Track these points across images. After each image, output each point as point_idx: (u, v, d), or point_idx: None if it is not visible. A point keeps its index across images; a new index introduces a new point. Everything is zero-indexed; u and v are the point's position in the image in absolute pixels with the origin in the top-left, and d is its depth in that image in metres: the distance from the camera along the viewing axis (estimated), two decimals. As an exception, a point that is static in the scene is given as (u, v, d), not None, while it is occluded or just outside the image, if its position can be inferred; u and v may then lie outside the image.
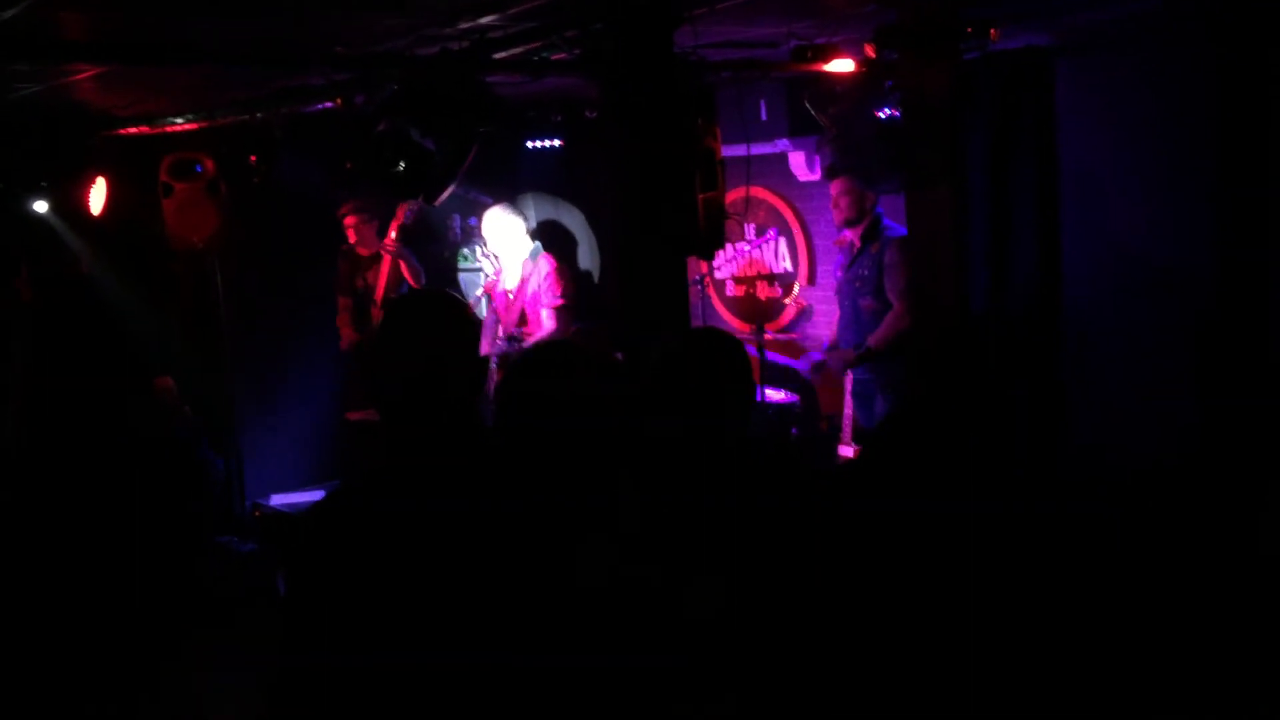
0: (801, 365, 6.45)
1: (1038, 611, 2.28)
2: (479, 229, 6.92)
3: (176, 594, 5.81)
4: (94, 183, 6.60)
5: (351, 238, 6.97)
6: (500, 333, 6.62)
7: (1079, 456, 5.30)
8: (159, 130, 6.26)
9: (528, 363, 2.38)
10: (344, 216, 6.91)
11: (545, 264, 6.54)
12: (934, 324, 4.54)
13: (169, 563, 5.98)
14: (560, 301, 6.46)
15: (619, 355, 4.59)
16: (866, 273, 5.89)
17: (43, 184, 6.58)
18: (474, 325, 2.34)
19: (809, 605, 2.29)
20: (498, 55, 4.47)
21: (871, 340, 5.79)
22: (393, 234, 6.80)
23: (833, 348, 6.28)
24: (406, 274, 6.89)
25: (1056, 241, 5.40)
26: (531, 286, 6.55)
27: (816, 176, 7.02)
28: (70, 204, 6.65)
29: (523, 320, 6.59)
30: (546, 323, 6.47)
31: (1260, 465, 4.47)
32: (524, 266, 6.59)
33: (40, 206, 6.59)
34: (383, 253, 6.83)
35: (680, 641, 2.26)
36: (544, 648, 2.09)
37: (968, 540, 2.26)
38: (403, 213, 6.78)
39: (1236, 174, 4.74)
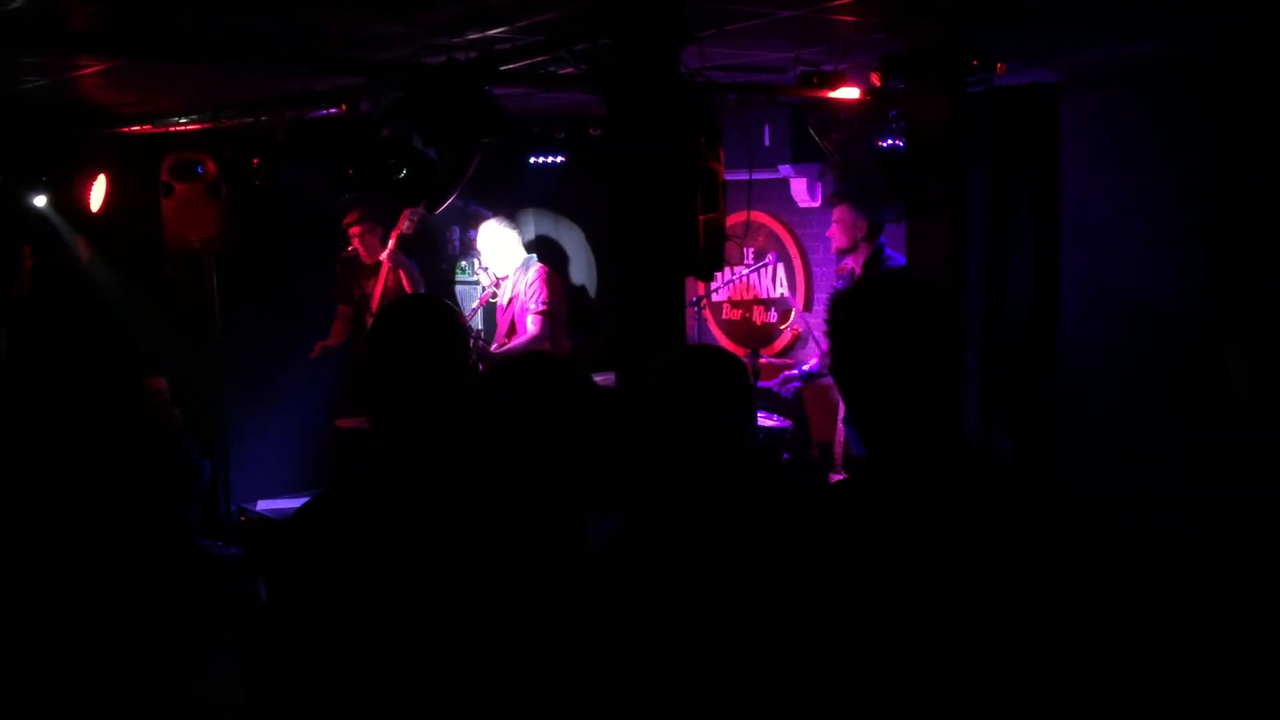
0: (784, 387, 6.47)
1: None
2: (477, 242, 6.91)
3: (157, 596, 5.76)
4: (94, 180, 6.59)
5: (356, 245, 6.95)
6: (492, 346, 6.60)
7: (1069, 480, 5.33)
8: (162, 129, 6.25)
9: (501, 371, 2.35)
10: (349, 225, 6.90)
11: (535, 271, 6.48)
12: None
13: (151, 564, 5.93)
14: (544, 307, 6.34)
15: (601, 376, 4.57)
16: (864, 300, 5.89)
17: (44, 179, 6.56)
18: (462, 331, 2.33)
19: (808, 619, 2.26)
20: (504, 67, 4.47)
21: None
22: (392, 243, 6.77)
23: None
24: (406, 284, 6.86)
25: (1055, 273, 5.42)
26: (521, 296, 6.50)
27: (817, 203, 7.04)
28: (70, 200, 6.63)
29: (511, 330, 6.54)
30: (530, 328, 6.36)
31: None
32: (515, 277, 6.57)
33: (40, 201, 6.58)
34: (383, 261, 6.80)
35: (664, 654, 2.24)
36: (525, 656, 2.07)
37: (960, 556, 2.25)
38: (403, 221, 6.76)
39: (1228, 213, 4.77)
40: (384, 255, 6.76)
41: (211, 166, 6.40)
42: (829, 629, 1.85)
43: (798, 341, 7.32)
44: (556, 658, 2.13)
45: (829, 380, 6.43)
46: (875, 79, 4.80)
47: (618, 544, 2.41)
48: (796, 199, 7.12)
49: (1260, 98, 4.65)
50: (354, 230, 6.89)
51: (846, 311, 1.93)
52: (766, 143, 6.76)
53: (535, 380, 2.29)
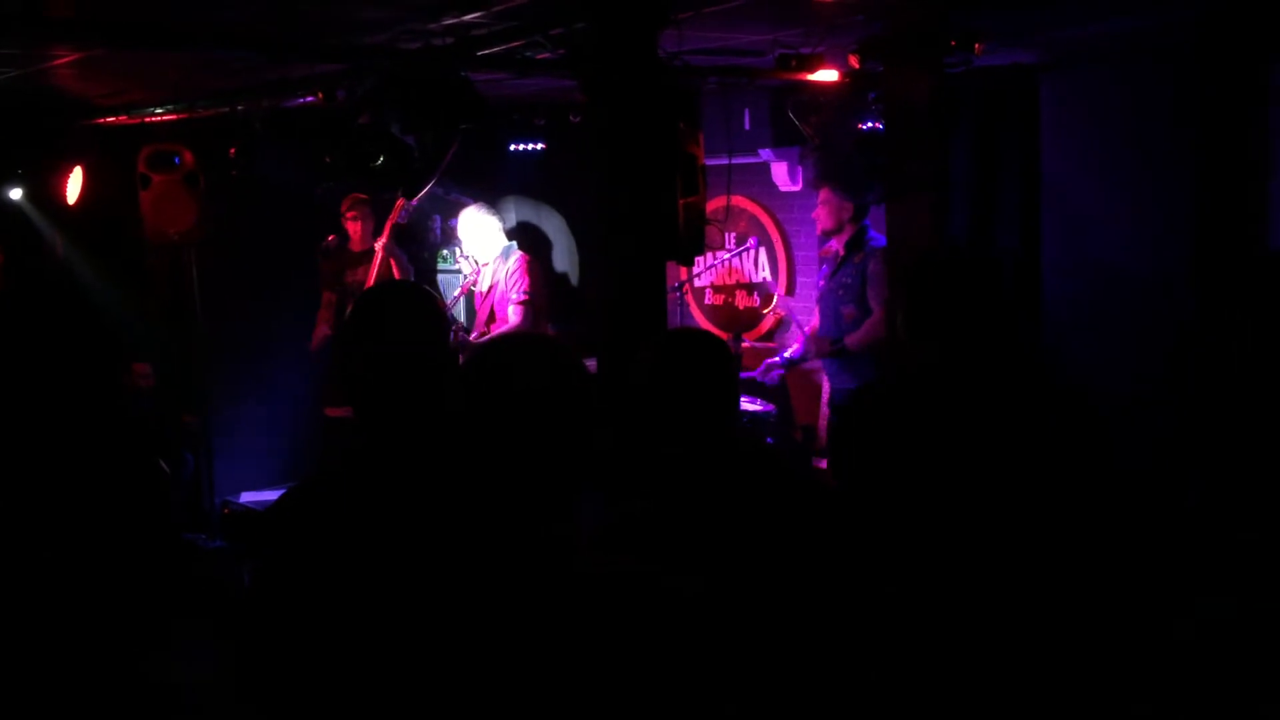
0: (767, 375, 6.43)
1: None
2: (458, 230, 6.89)
3: (141, 588, 5.73)
4: (71, 172, 6.53)
5: (350, 231, 6.93)
6: (472, 335, 6.58)
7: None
8: (138, 120, 6.20)
9: (487, 352, 2.33)
10: (346, 210, 6.87)
11: (516, 260, 6.49)
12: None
13: (134, 556, 5.89)
14: (525, 297, 6.36)
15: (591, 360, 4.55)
16: (849, 281, 5.89)
17: (18, 171, 6.50)
18: (442, 317, 2.32)
19: (804, 606, 2.26)
20: (481, 52, 4.45)
21: (849, 340, 5.79)
22: (387, 231, 6.75)
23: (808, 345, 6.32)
24: (396, 272, 6.83)
25: (1036, 254, 5.43)
26: (501, 285, 6.50)
27: (798, 187, 7.03)
28: (46, 192, 6.57)
29: (491, 318, 6.54)
30: (511, 318, 6.36)
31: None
32: (495, 265, 6.56)
33: (15, 194, 6.52)
34: (376, 249, 6.77)
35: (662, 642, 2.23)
36: (516, 640, 2.06)
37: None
38: (398, 210, 6.73)
39: (1215, 189, 4.77)
40: (378, 244, 6.73)
41: (189, 157, 6.34)
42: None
43: (780, 326, 7.32)
44: (546, 640, 2.12)
45: (813, 365, 6.43)
46: (854, 61, 4.79)
47: (610, 527, 2.40)
48: (777, 183, 7.11)
49: (1241, 74, 4.66)
50: (350, 214, 6.87)
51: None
52: (747, 126, 6.74)
53: (529, 360, 2.28)
